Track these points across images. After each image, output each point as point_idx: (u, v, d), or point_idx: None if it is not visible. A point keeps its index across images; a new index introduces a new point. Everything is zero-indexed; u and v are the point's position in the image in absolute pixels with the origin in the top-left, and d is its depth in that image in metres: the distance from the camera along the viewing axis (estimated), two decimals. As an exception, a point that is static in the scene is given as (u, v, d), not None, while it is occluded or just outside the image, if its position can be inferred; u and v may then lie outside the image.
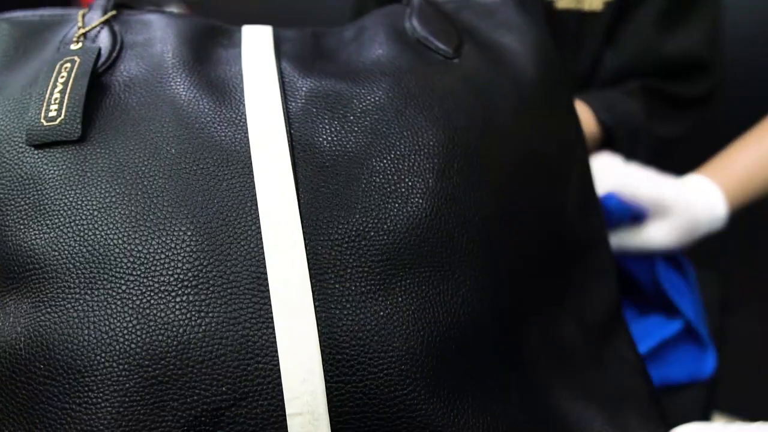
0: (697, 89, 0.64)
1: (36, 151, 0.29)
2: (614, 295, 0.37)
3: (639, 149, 0.63)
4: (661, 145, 0.66)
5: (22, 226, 0.27)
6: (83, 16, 0.33)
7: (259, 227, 0.27)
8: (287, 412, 0.25)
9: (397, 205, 0.28)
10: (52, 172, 0.28)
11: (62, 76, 0.30)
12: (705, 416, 0.54)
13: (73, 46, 0.31)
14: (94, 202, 0.27)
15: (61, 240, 0.27)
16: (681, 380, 0.52)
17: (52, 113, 0.29)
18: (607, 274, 0.37)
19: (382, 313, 0.27)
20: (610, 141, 0.62)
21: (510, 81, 0.35)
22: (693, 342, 0.54)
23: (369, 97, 0.30)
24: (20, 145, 0.29)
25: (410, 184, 0.29)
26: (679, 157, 0.66)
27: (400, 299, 0.27)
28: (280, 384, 0.25)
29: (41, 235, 0.27)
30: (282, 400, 0.25)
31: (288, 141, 0.29)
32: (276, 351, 0.25)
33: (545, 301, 0.32)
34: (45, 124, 0.29)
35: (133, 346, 0.25)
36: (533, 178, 0.34)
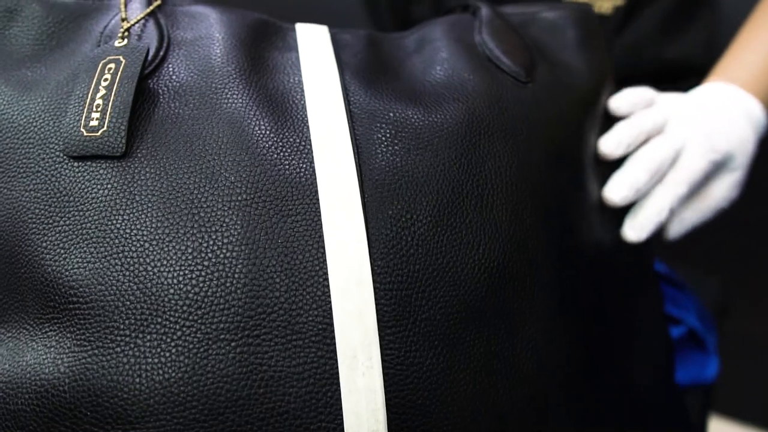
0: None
1: (75, 164, 0.26)
2: (668, 328, 0.36)
3: None
4: None
5: (62, 251, 0.25)
6: (125, 3, 0.30)
7: (326, 272, 0.25)
8: (348, 473, 0.24)
9: (467, 253, 0.26)
10: (95, 191, 0.25)
11: (105, 79, 0.27)
12: (702, 417, 0.55)
13: (118, 43, 0.28)
14: (145, 232, 0.25)
15: (108, 273, 0.24)
16: (683, 383, 0.53)
17: (94, 122, 0.26)
18: (660, 306, 0.36)
19: (448, 371, 0.25)
20: None
21: (579, 108, 0.33)
22: (696, 347, 0.54)
23: (442, 128, 0.28)
24: (57, 153, 0.26)
25: (481, 229, 0.27)
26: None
27: (467, 356, 0.26)
28: (343, 444, 0.24)
29: (85, 265, 0.25)
30: (344, 461, 0.24)
31: (357, 173, 0.26)
32: (341, 410, 0.24)
33: (616, 345, 0.31)
34: (85, 134, 0.26)
35: (189, 398, 0.23)
36: (594, 212, 0.33)
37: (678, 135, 0.36)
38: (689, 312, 0.54)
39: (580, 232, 0.31)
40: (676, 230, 0.39)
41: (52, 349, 0.24)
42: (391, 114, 0.28)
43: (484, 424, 0.26)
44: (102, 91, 0.26)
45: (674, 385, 0.34)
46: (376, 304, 0.25)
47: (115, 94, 0.26)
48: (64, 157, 0.26)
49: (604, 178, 0.33)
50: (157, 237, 0.25)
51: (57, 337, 0.25)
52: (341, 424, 0.24)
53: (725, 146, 0.37)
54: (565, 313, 0.29)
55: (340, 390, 0.24)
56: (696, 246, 0.53)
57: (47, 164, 0.26)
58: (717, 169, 0.38)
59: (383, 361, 0.24)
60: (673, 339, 0.54)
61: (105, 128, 0.26)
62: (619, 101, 0.36)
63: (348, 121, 0.27)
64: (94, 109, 0.26)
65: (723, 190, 0.38)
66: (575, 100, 0.32)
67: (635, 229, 0.34)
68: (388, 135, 0.27)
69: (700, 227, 0.40)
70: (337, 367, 0.24)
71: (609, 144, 0.34)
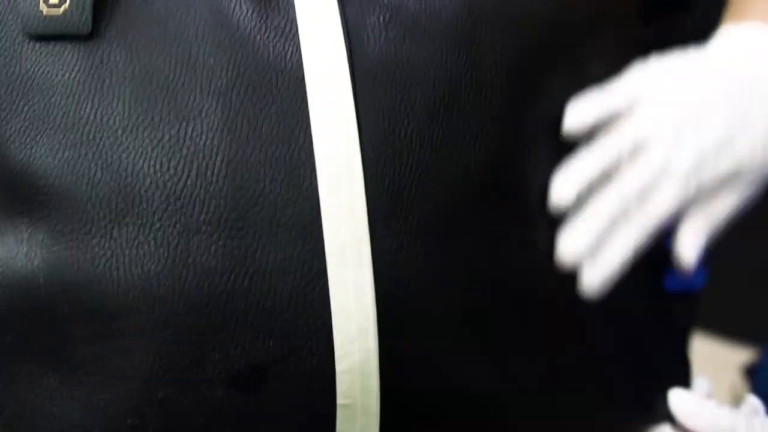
0: None
1: (37, 45, 0.24)
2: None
3: None
4: None
5: (28, 139, 0.23)
6: None
7: (314, 163, 0.23)
8: (337, 369, 0.23)
9: (463, 149, 0.25)
10: (60, 74, 0.23)
11: (66, -51, 0.24)
12: (687, 324, 0.55)
13: None
14: (117, 119, 0.23)
15: (79, 162, 0.23)
16: (671, 290, 0.53)
17: (55, -2, 0.24)
18: None
19: (440, 268, 0.24)
20: None
21: (591, 2, 0.30)
22: None
23: (440, 14, 0.26)
24: (15, 33, 0.24)
25: (479, 124, 0.25)
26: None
27: (459, 254, 0.25)
28: (331, 340, 0.23)
29: (53, 154, 0.23)
30: (332, 356, 0.23)
31: (348, 60, 0.24)
32: (329, 305, 0.23)
33: None
34: (46, 11, 0.24)
35: (170, 292, 0.22)
36: None
37: (657, 156, 0.26)
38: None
39: None
40: (689, 246, 0.28)
41: (24, 242, 0.23)
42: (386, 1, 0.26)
43: (475, 323, 0.25)
44: (62, -38, 0.24)
45: (659, 292, 0.34)
46: (367, 199, 0.23)
47: (77, -34, 0.24)
48: (24, 37, 0.24)
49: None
50: (130, 124, 0.23)
51: (29, 231, 0.23)
52: (329, 320, 0.23)
53: (725, 167, 0.27)
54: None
55: (328, 286, 0.23)
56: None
57: (4, 45, 0.24)
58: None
59: (373, 257, 0.23)
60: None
61: (67, 5, 0.23)
62: (572, 119, 0.27)
63: (338, 2, 0.25)
64: (55, -18, 0.24)
65: (724, 207, 0.28)
66: None
67: (593, 278, 0.26)
68: (381, 20, 0.25)
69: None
70: (325, 263, 0.23)
71: (558, 193, 0.26)
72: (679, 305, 0.48)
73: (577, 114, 0.28)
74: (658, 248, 0.35)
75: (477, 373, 0.25)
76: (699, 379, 0.34)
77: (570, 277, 0.28)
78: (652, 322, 0.33)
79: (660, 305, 0.33)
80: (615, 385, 0.30)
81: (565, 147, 0.29)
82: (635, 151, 0.27)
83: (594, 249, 0.26)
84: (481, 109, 0.26)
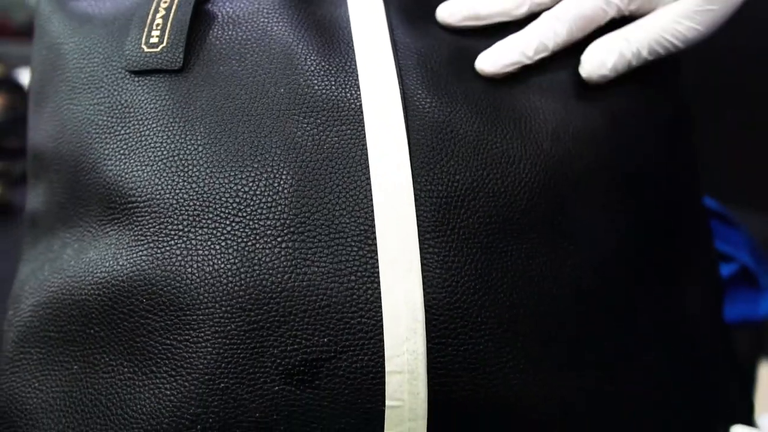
0: None
1: (136, 79, 0.28)
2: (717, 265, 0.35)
3: None
4: None
5: (123, 156, 0.27)
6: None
7: (369, 179, 0.25)
8: (386, 369, 0.24)
9: (507, 168, 0.27)
10: (153, 102, 0.27)
11: (165, 1, 0.29)
12: (752, 358, 0.52)
13: (177, -30, 0.30)
14: (198, 137, 0.26)
15: (164, 174, 0.26)
16: (733, 321, 0.51)
17: (154, 39, 0.28)
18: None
19: (486, 278, 0.26)
20: None
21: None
22: (748, 285, 0.52)
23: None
24: (119, 70, 0.28)
25: (522, 146, 0.27)
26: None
27: (505, 265, 0.26)
28: (381, 341, 0.24)
29: (143, 167, 0.26)
30: (382, 357, 0.24)
31: (401, 95, 0.27)
32: (380, 307, 0.24)
33: (660, 278, 0.31)
34: (146, 50, 0.28)
35: (236, 288, 0.24)
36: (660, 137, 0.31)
37: None
38: (741, 249, 0.52)
39: (641, 152, 0.30)
40: (596, 58, 0.29)
41: (112, 246, 0.26)
42: (435, 56, 0.29)
43: (522, 335, 0.26)
44: (162, 12, 0.28)
45: (722, 323, 0.33)
46: (417, 209, 0.25)
47: (174, 14, 0.28)
48: (126, 72, 0.28)
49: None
50: (209, 141, 0.26)
51: (117, 236, 0.26)
52: (380, 320, 0.24)
53: None
54: (612, 235, 0.28)
55: (380, 289, 0.25)
56: (748, 181, 0.50)
57: (110, 80, 0.28)
58: None
59: (423, 264, 0.25)
60: (725, 276, 0.51)
61: (164, 44, 0.28)
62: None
63: (392, 50, 0.28)
64: (155, 27, 0.28)
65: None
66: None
67: (487, 59, 0.28)
68: (431, 68, 0.28)
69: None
70: (377, 267, 0.25)
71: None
72: (742, 335, 0.46)
73: None
74: (717, 277, 0.35)
75: (522, 384, 0.26)
76: (765, 416, 0.33)
77: (626, 298, 0.29)
78: (710, 354, 0.32)
79: (719, 335, 0.33)
80: (668, 418, 0.30)
81: (626, 147, 0.29)
82: None
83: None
84: (524, 133, 0.27)
